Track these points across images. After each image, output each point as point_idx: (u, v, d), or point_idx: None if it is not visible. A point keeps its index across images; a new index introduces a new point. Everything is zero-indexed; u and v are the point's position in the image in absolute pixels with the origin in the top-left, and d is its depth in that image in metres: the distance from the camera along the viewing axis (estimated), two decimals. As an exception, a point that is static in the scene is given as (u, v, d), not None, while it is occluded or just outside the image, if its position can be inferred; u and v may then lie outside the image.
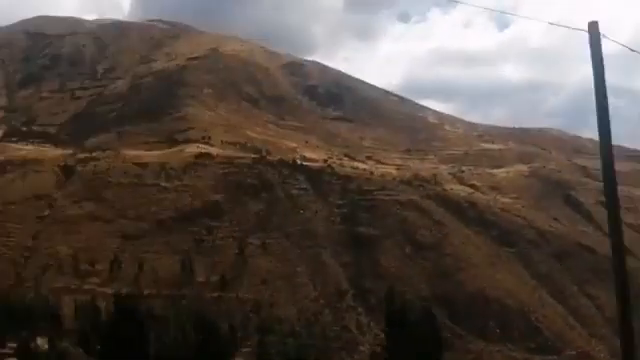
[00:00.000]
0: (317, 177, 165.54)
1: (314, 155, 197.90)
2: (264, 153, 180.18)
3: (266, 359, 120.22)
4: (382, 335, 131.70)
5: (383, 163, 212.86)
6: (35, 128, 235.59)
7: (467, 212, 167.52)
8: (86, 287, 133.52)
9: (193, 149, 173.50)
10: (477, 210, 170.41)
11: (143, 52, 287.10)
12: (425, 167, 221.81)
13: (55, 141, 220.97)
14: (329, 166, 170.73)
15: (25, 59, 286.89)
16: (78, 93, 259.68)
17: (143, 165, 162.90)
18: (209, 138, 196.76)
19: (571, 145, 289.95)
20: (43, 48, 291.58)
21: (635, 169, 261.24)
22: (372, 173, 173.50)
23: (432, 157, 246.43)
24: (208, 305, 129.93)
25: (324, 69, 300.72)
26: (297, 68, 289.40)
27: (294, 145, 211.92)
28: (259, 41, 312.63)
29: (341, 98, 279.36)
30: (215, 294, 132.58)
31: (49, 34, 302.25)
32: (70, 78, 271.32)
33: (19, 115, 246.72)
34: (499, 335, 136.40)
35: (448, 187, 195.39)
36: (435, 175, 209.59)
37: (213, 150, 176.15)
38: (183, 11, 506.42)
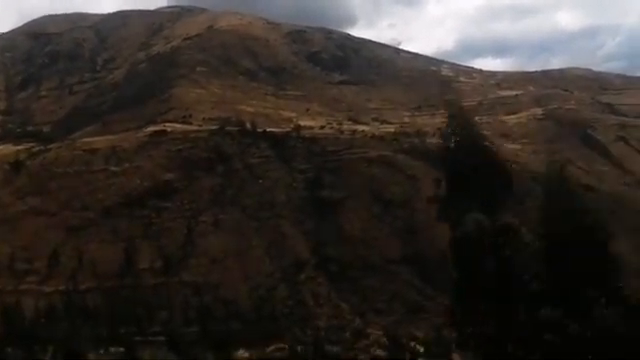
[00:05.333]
0: (282, 143, 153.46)
1: (312, 123, 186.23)
2: (249, 126, 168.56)
3: (210, 345, 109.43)
4: (342, 305, 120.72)
5: (389, 123, 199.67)
6: (30, 128, 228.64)
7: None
8: (23, 287, 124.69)
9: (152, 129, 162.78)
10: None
11: (143, 39, 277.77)
12: (433, 122, 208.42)
13: (47, 139, 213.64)
14: (295, 130, 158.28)
15: (26, 60, 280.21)
16: (76, 88, 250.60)
17: (94, 151, 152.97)
18: (190, 117, 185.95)
19: (597, 83, 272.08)
20: (43, 47, 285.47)
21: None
22: (342, 132, 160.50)
23: (444, 111, 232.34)
24: (149, 293, 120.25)
25: (329, 34, 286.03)
26: (299, 36, 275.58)
27: (292, 115, 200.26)
28: (259, 14, 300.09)
29: (347, 61, 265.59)
30: (158, 280, 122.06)
31: (50, 32, 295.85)
32: (69, 74, 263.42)
33: (16, 117, 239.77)
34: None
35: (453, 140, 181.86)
36: (440, 129, 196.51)
37: (182, 127, 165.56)
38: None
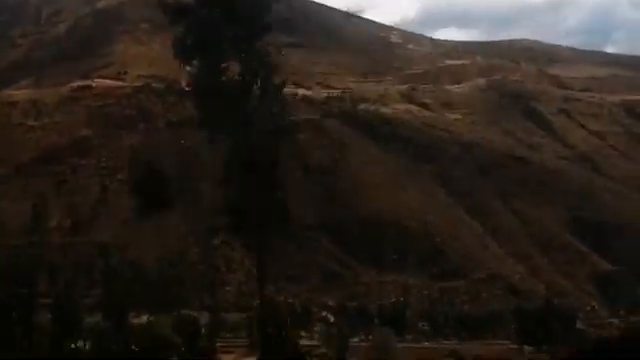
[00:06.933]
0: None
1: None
2: (185, 85, 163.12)
3: (110, 309, 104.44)
4: (254, 271, 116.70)
5: (333, 88, 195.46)
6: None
7: (379, 130, 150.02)
8: None
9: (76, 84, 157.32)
10: (392, 127, 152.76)
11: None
12: (377, 89, 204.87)
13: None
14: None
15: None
16: (19, 41, 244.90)
17: (13, 105, 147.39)
18: (125, 73, 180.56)
19: (546, 56, 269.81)
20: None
21: (611, 74, 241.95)
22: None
23: (390, 78, 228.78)
24: (56, 252, 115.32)
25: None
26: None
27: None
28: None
29: (295, 24, 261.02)
30: (66, 240, 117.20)
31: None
32: (12, 26, 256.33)
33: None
34: (396, 263, 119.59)
35: (392, 107, 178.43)
36: (383, 96, 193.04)
37: (106, 83, 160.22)
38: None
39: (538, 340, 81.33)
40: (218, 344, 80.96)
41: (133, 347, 68.75)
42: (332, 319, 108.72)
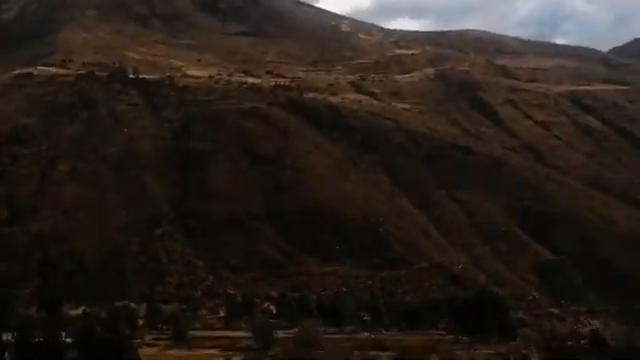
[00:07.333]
0: (153, 91, 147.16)
1: (202, 73, 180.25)
2: (131, 73, 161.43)
3: (46, 300, 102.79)
4: (200, 262, 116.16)
5: (283, 77, 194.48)
6: None
7: (326, 119, 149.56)
8: None
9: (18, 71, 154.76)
10: (338, 116, 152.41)
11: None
12: (327, 78, 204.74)
13: None
14: (169, 77, 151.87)
15: None
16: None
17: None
18: (70, 61, 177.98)
19: (494, 46, 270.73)
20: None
21: (558, 65, 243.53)
22: (217, 82, 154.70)
23: (339, 68, 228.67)
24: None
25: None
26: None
27: (182, 64, 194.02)
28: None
29: (246, 12, 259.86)
30: (3, 230, 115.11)
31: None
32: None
33: None
34: (338, 252, 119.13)
35: (341, 96, 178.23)
36: (332, 85, 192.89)
37: (49, 71, 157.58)
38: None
39: (472, 330, 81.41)
40: (147, 337, 79.61)
41: (63, 338, 67.49)
42: (274, 310, 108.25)
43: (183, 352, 70.88)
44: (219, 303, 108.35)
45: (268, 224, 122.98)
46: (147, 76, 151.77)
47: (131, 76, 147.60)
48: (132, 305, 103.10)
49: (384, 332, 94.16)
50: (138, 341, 72.78)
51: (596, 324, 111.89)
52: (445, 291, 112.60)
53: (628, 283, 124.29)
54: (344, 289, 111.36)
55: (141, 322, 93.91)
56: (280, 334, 77.70)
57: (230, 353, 67.51)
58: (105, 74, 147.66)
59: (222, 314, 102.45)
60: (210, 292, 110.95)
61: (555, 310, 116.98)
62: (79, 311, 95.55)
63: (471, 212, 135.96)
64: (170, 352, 70.26)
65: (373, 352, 67.45)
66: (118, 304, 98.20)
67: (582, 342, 73.82)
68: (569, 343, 73.02)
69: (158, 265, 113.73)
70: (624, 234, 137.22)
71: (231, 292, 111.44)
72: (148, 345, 72.57)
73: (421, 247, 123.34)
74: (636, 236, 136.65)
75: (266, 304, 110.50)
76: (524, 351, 68.61)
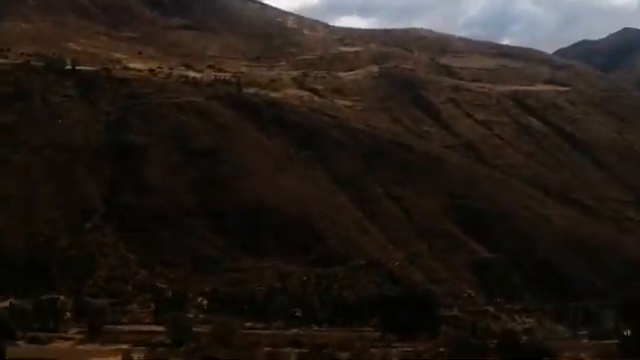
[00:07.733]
0: (89, 83, 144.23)
1: (142, 66, 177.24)
2: (69, 64, 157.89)
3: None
4: (132, 257, 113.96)
5: (225, 72, 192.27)
6: None
7: (265, 114, 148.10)
8: None
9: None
10: (278, 112, 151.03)
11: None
12: (269, 74, 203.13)
13: None
14: (105, 69, 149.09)
15: None
16: None
17: None
18: (8, 51, 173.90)
19: (439, 45, 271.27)
20: None
21: (501, 65, 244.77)
22: (156, 75, 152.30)
23: (283, 63, 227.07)
24: None
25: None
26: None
27: (123, 57, 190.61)
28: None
29: (189, 6, 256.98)
30: None
31: None
32: None
33: None
34: (274, 249, 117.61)
35: (282, 92, 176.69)
36: (274, 81, 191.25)
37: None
38: None
39: (399, 327, 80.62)
40: (71, 331, 77.59)
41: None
42: (206, 305, 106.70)
43: (90, 347, 68.50)
44: (150, 298, 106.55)
45: (203, 219, 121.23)
46: (84, 68, 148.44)
47: (68, 67, 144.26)
48: (62, 298, 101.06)
49: (315, 328, 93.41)
50: (52, 335, 70.65)
51: (530, 322, 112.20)
52: (381, 288, 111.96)
53: (565, 282, 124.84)
54: (277, 285, 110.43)
55: (68, 315, 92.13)
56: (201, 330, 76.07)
57: (139, 349, 65.13)
58: (41, 64, 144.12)
59: (153, 308, 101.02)
60: (141, 286, 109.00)
61: (490, 308, 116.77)
62: (6, 304, 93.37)
63: (409, 210, 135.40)
64: (80, 347, 68.03)
65: (288, 349, 65.97)
66: (44, 297, 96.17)
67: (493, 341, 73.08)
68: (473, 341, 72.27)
69: (88, 259, 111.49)
70: (561, 233, 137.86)
71: (162, 286, 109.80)
72: (64, 339, 70.48)
73: (358, 244, 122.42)
74: (573, 235, 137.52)
75: (199, 299, 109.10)
76: (441, 349, 67.77)
